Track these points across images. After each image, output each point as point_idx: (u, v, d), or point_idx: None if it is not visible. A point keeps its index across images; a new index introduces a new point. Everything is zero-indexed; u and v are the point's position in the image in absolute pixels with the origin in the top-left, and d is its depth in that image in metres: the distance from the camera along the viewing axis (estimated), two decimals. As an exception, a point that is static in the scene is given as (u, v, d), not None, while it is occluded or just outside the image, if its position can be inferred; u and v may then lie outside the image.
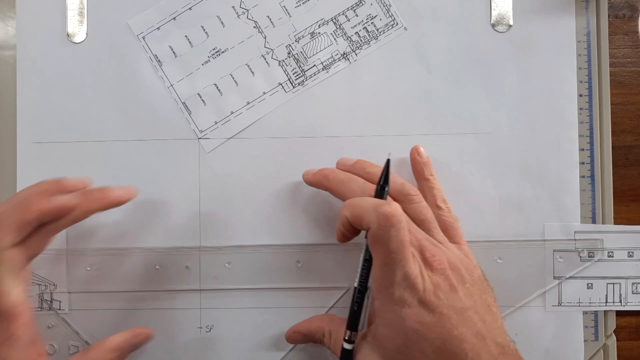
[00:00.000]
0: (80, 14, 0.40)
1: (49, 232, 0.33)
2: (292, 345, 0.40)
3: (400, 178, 0.36)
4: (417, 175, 0.38)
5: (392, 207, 0.30)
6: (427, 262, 0.31)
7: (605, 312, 0.40)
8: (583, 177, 0.40)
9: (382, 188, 0.33)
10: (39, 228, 0.32)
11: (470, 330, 0.30)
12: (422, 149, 0.38)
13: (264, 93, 0.40)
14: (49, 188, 0.33)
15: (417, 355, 0.30)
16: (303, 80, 0.40)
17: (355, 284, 0.33)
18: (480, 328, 0.31)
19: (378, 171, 0.35)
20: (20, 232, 0.31)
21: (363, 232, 0.33)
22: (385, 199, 0.33)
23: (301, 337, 0.38)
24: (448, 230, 0.36)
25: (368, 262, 0.33)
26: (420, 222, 0.34)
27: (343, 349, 0.33)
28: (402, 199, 0.34)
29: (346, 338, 0.33)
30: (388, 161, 0.34)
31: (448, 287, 0.31)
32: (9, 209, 0.31)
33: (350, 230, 0.33)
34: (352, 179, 0.35)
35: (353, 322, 0.33)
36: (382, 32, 0.40)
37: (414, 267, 0.30)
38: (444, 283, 0.31)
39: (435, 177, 0.38)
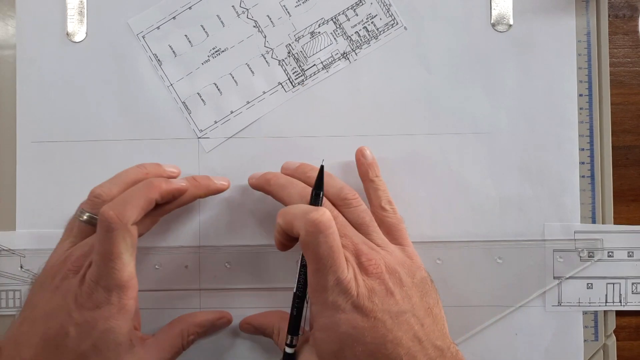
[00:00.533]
0: (80, 13, 0.40)
1: (161, 212, 0.36)
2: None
3: (339, 182, 0.35)
4: (362, 177, 0.38)
5: (319, 213, 0.30)
6: (362, 266, 0.31)
7: (605, 312, 0.40)
8: (583, 177, 0.40)
9: (316, 194, 0.33)
10: (154, 209, 0.34)
11: (406, 334, 0.30)
12: (367, 150, 0.38)
13: (264, 92, 0.40)
14: (152, 171, 0.36)
15: (352, 359, 0.30)
16: (303, 80, 0.40)
17: (294, 290, 0.34)
18: (417, 331, 0.31)
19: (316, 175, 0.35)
20: (144, 210, 0.33)
21: None
22: (320, 204, 0.33)
23: (253, 329, 0.38)
24: (392, 232, 0.35)
25: (305, 267, 0.33)
26: (358, 226, 0.34)
27: (285, 353, 0.33)
28: (340, 203, 0.34)
29: (287, 342, 0.33)
30: (322, 167, 0.34)
31: (384, 291, 0.31)
32: (136, 189, 0.33)
33: (286, 237, 0.33)
34: (292, 183, 0.35)
35: (293, 327, 0.33)
36: (382, 32, 0.40)
37: (347, 272, 0.30)
38: (379, 287, 0.31)
39: (381, 178, 0.37)
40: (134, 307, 0.32)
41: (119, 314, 0.31)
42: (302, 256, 0.33)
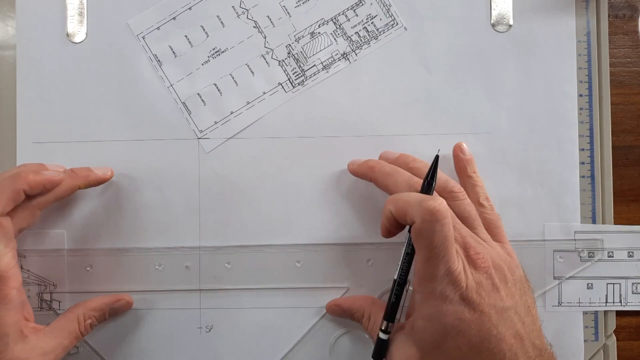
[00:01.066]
0: (80, 14, 0.40)
1: (37, 205, 0.35)
2: (291, 345, 0.40)
3: (444, 174, 0.36)
4: (459, 172, 0.38)
5: (438, 202, 0.30)
6: (470, 259, 0.31)
7: (605, 312, 0.40)
8: (583, 177, 0.40)
9: (429, 184, 0.33)
10: (28, 201, 0.35)
11: (509, 330, 0.30)
12: (464, 145, 0.38)
13: (264, 93, 0.40)
14: (34, 168, 0.35)
15: (453, 351, 0.30)
16: (303, 80, 0.40)
17: (395, 276, 0.33)
18: (519, 329, 0.31)
19: (422, 166, 0.36)
20: (11, 201, 0.33)
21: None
22: (431, 194, 0.33)
23: (341, 311, 0.38)
24: (491, 229, 0.36)
25: (410, 255, 0.33)
26: (464, 219, 0.34)
27: (379, 338, 0.34)
28: (446, 196, 0.34)
29: (382, 328, 0.33)
30: (437, 157, 0.34)
31: (490, 285, 0.31)
32: (1, 179, 0.34)
33: (395, 224, 0.33)
34: (398, 171, 0.35)
35: (390, 314, 0.33)
36: (382, 32, 0.40)
37: (457, 263, 0.30)
38: (486, 282, 0.31)
39: (478, 174, 0.38)
40: (17, 297, 0.33)
41: (0, 305, 0.32)
42: (407, 244, 0.33)
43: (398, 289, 0.33)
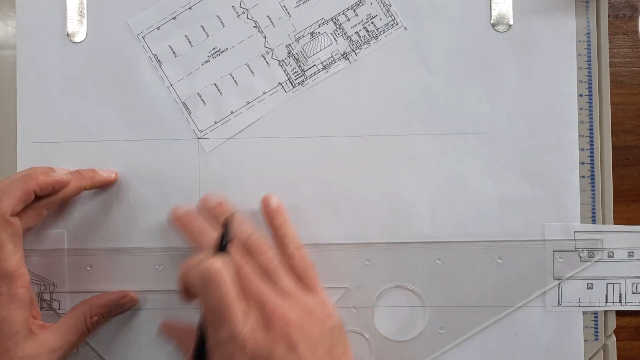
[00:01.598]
0: (80, 13, 0.40)
1: (45, 205, 0.36)
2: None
3: (250, 228, 0.34)
4: (269, 225, 0.37)
5: (210, 261, 0.29)
6: (266, 318, 0.30)
7: (605, 312, 0.40)
8: (583, 177, 0.40)
9: (217, 246, 0.32)
10: (36, 201, 0.35)
11: None
12: (273, 197, 0.37)
13: (264, 93, 0.40)
14: (43, 170, 0.36)
15: None
16: (303, 80, 0.40)
17: (194, 345, 0.31)
18: None
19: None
20: (22, 202, 0.34)
21: None
22: (225, 252, 0.32)
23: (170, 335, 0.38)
24: (303, 278, 0.34)
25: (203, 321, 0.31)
26: (267, 273, 0.32)
27: None
28: (250, 250, 0.33)
29: None
30: (227, 219, 0.34)
31: (285, 345, 0.29)
32: (12, 180, 0.34)
33: (185, 290, 0.32)
34: (204, 233, 0.35)
35: None
36: (382, 32, 0.40)
37: (244, 324, 0.29)
38: (282, 341, 0.29)
39: (289, 223, 0.36)
40: (26, 296, 0.33)
41: (11, 304, 0.32)
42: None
43: (199, 353, 0.31)
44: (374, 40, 0.40)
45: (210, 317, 0.29)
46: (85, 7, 0.40)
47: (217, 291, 0.29)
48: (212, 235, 0.34)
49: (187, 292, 0.32)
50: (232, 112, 0.40)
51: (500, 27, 0.40)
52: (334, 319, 0.33)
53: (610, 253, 0.40)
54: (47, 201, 0.36)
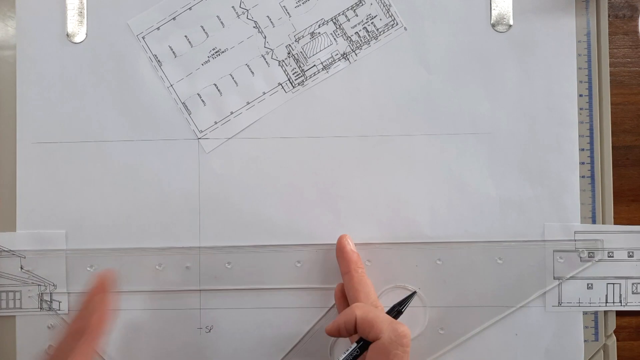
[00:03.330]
0: (80, 14, 0.40)
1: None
2: (291, 345, 0.40)
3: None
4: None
5: (406, 329, 0.33)
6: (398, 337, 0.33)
7: (605, 312, 0.40)
8: (583, 177, 0.40)
9: (398, 311, 0.36)
10: None
11: None
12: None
13: (264, 93, 0.40)
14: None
15: None
16: (303, 80, 0.40)
17: None
18: None
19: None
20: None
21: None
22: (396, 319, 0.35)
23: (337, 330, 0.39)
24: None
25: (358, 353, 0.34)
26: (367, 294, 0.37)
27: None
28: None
29: None
30: (414, 293, 0.37)
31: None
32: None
33: (351, 329, 0.34)
34: (368, 285, 0.37)
35: None
36: (382, 32, 0.40)
37: None
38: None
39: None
40: None
41: None
42: (350, 354, 0.34)
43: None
44: (374, 41, 0.40)
45: None
46: (85, 8, 0.40)
47: (405, 356, 0.33)
48: (371, 292, 0.36)
49: (349, 331, 0.34)
50: (232, 113, 0.40)
51: (500, 27, 0.40)
52: None
53: (610, 253, 0.40)
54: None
